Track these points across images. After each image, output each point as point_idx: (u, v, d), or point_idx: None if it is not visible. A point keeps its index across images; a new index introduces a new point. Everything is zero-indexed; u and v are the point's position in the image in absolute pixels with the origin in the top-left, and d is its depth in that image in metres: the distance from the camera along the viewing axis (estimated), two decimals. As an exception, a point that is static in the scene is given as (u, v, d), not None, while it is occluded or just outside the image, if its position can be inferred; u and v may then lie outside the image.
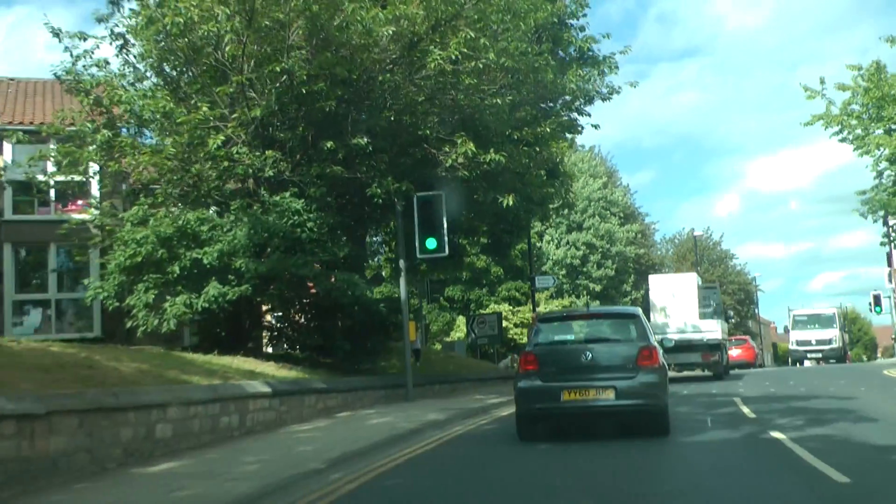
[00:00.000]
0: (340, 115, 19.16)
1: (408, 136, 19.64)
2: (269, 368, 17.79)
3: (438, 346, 41.10)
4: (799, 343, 45.06)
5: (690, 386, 23.56)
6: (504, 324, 50.22)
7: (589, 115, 25.11)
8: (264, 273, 18.21)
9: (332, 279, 18.96)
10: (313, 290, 19.64)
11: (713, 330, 27.11)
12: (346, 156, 19.37)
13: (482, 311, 50.86)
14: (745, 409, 15.56)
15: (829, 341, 43.78)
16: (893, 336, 67.32)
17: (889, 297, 61.61)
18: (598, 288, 54.00)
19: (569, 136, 26.95)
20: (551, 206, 27.47)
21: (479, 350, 36.51)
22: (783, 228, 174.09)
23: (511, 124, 20.31)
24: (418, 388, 21.50)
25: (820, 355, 43.92)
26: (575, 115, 24.59)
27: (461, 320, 47.00)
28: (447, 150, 19.31)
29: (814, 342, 44.03)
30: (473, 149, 18.77)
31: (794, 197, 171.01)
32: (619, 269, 55.65)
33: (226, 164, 19.31)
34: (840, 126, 28.34)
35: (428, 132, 19.31)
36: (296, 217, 18.89)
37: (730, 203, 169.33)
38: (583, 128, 26.37)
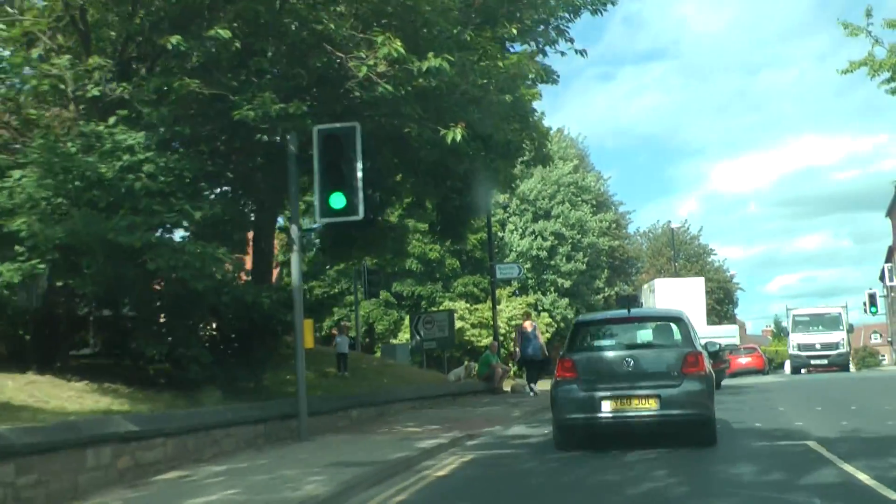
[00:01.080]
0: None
1: (301, 33, 12.75)
2: (71, 395, 11.05)
3: (379, 352, 34.25)
4: (801, 347, 38.09)
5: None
6: (459, 324, 43.53)
7: (572, 39, 18.20)
8: (64, 241, 11.43)
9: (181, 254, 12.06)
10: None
11: (731, 335, 23.13)
12: (206, 61, 12.51)
13: (433, 309, 44.18)
14: (858, 474, 8.93)
15: (836, 345, 37.28)
16: (890, 339, 61.67)
17: (884, 297, 56.01)
18: (567, 284, 47.43)
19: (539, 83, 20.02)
20: (521, 158, 20.72)
21: (427, 356, 29.66)
22: (742, 231, 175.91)
23: (459, 19, 13.46)
24: (324, 417, 14.67)
25: (825, 362, 37.29)
26: (553, 34, 17.67)
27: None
28: (362, 54, 12.47)
29: (818, 346, 37.39)
30: (401, 50, 11.98)
31: (753, 200, 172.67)
32: (591, 263, 49.16)
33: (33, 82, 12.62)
34: (892, 72, 21.84)
35: (332, 27, 12.43)
36: (127, 157, 12.14)
37: (691, 205, 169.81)
38: (558, 77, 19.48)
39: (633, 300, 18.31)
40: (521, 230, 48.21)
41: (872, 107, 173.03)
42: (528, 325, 25.19)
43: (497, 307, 46.34)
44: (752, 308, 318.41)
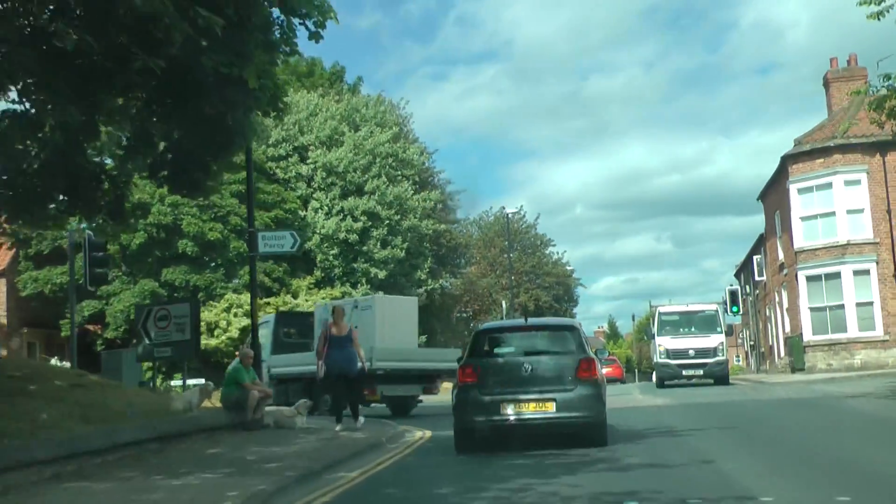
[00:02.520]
0: None
1: None
2: None
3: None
4: (671, 354, 29.83)
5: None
6: (224, 325, 34.52)
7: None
8: None
9: None
10: None
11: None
12: None
13: (212, 304, 34.92)
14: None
15: (714, 352, 29.28)
16: (752, 342, 56.55)
17: (748, 296, 50.53)
18: (381, 274, 39.08)
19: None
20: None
21: (158, 368, 20.33)
22: (570, 233, 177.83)
23: None
24: None
25: (700, 372, 29.37)
26: None
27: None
28: None
29: (692, 353, 29.39)
30: None
31: (580, 202, 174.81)
32: (412, 250, 41.03)
33: None
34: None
35: None
36: None
37: (521, 208, 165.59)
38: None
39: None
40: (326, 208, 39.49)
41: (695, 114, 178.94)
42: (339, 324, 16.04)
43: (295, 300, 37.64)
44: (580, 308, 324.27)
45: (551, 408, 11.28)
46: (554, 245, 58.56)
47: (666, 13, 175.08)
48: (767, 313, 43.39)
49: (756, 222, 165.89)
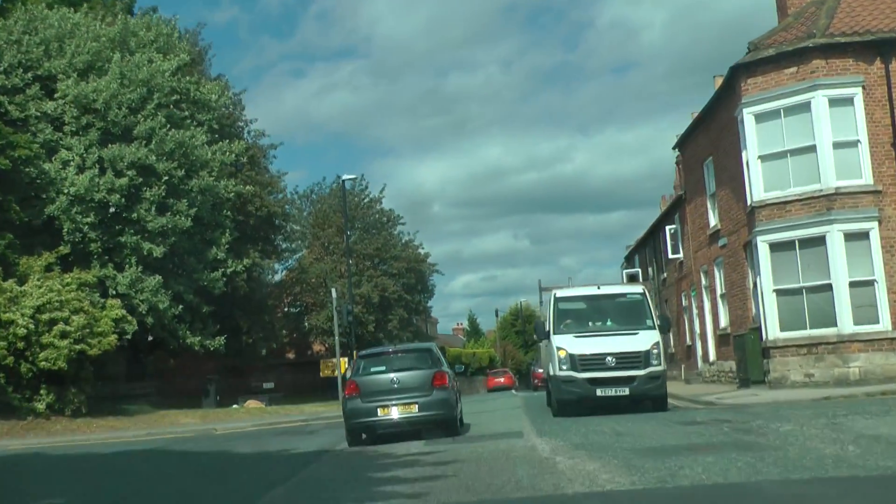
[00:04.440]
0: None
1: None
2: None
3: None
4: (579, 363, 17.34)
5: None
6: None
7: None
8: None
9: None
10: None
11: None
12: None
13: None
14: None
15: (646, 358, 17.25)
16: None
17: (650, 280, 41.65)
18: (158, 251, 28.19)
19: None
20: None
21: None
22: (428, 230, 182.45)
23: None
24: None
25: (625, 392, 17.20)
26: None
27: None
28: None
29: (610, 362, 17.26)
30: None
31: (438, 200, 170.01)
32: (205, 220, 30.32)
33: None
34: None
35: None
36: None
37: (362, 177, 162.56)
38: None
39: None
40: (79, 159, 28.29)
41: (553, 112, 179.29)
42: None
43: (21, 287, 26.45)
44: (437, 303, 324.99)
45: (415, 409, 15.05)
46: (403, 223, 48.53)
47: (525, 11, 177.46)
48: (683, 303, 33.46)
49: (612, 220, 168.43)
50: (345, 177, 39.93)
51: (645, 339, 17.62)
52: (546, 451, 11.05)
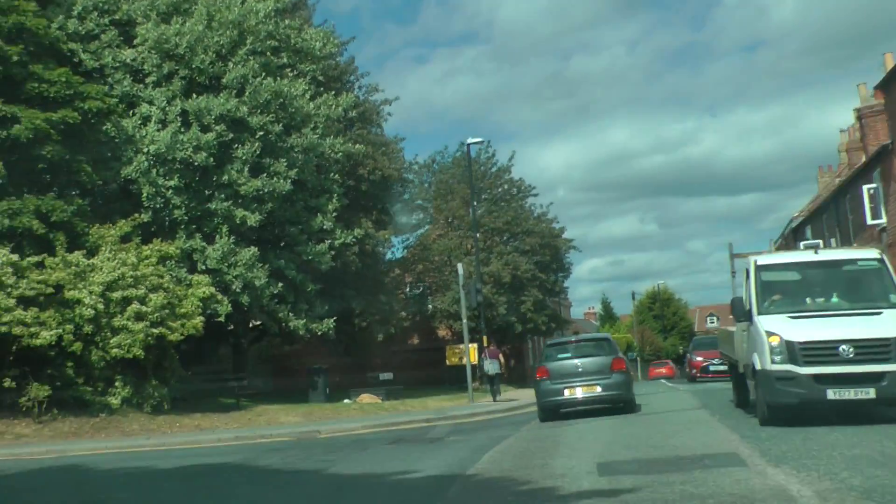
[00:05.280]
0: None
1: None
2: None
3: None
4: (800, 354, 11.88)
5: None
6: None
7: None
8: None
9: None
10: None
11: None
12: None
13: None
14: None
15: (891, 348, 11.61)
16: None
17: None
18: (253, 219, 23.90)
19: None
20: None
21: None
22: (553, 215, 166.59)
23: None
24: None
25: (871, 395, 11.68)
26: None
27: None
28: None
29: (847, 353, 11.70)
30: None
31: (563, 184, 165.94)
32: (309, 184, 25.89)
33: None
34: None
35: None
36: None
37: (489, 143, 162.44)
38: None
39: None
40: (161, 112, 24.27)
41: (680, 94, 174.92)
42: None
43: (91, 262, 22.53)
44: (571, 285, 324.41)
45: (598, 389, 17.39)
46: (536, 194, 43.23)
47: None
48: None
49: (743, 203, 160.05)
50: (470, 140, 34.75)
51: (892, 322, 12.07)
52: (810, 498, 6.62)
